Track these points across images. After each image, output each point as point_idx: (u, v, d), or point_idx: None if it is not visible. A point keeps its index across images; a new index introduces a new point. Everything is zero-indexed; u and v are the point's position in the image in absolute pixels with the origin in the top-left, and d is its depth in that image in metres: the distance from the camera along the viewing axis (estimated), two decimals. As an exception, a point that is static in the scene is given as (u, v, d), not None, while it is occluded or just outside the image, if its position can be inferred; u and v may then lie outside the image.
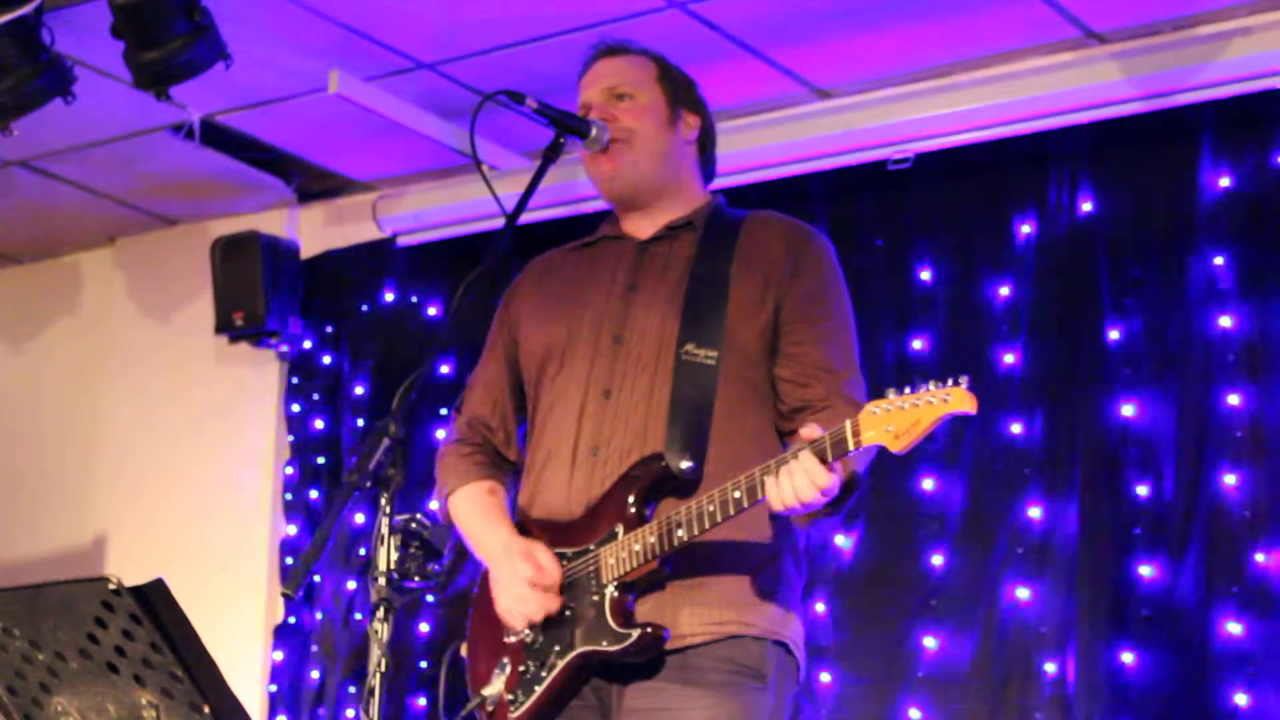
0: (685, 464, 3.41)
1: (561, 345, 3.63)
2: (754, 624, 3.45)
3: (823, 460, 3.17)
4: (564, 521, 3.51)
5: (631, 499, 3.41)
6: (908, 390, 3.11)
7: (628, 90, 3.72)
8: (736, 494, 3.27)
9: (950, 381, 3.09)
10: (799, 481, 3.17)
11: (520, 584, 3.46)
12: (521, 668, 3.48)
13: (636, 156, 3.67)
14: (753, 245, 3.63)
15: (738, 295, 3.56)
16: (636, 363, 3.54)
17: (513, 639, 3.51)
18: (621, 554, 3.39)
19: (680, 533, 3.32)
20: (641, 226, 3.73)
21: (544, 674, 3.44)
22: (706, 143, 3.82)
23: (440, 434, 6.15)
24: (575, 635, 3.42)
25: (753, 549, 3.48)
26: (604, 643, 3.38)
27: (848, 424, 3.15)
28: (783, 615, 3.50)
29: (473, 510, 3.68)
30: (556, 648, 3.44)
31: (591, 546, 3.44)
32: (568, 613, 3.45)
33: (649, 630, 3.36)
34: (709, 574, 3.44)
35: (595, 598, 3.41)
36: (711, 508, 3.29)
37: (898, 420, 3.10)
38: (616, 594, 3.39)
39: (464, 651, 3.67)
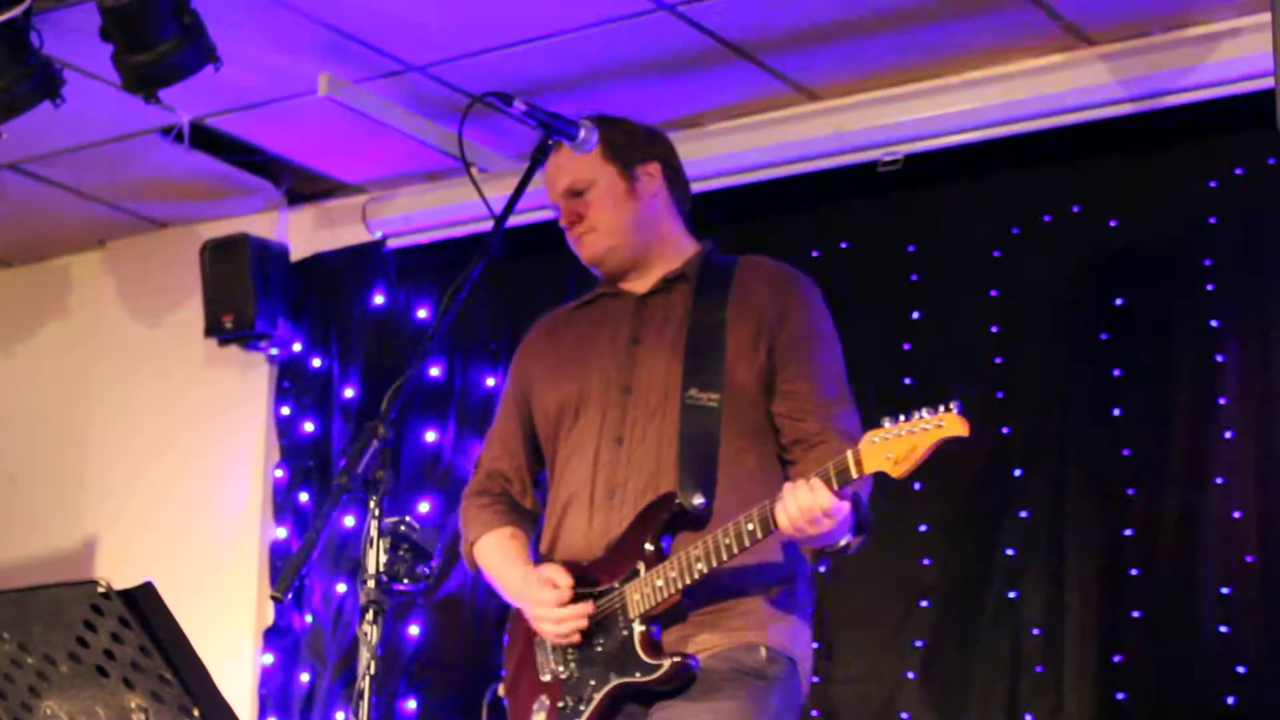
0: (697, 500, 3.61)
1: (575, 401, 3.82)
2: (763, 637, 3.64)
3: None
4: (587, 562, 3.69)
5: (649, 537, 3.61)
6: (902, 418, 3.33)
7: (582, 186, 3.88)
8: (750, 526, 3.47)
9: (942, 408, 3.30)
10: (802, 497, 3.37)
11: (549, 610, 3.66)
12: (560, 704, 3.66)
13: (611, 242, 3.86)
14: (744, 291, 3.82)
15: (734, 340, 3.75)
16: (645, 410, 3.74)
17: (549, 677, 3.70)
18: (645, 590, 3.58)
19: (700, 566, 3.52)
20: (637, 282, 3.91)
21: (583, 707, 3.63)
22: (672, 177, 3.96)
23: (430, 436, 6.18)
24: (609, 669, 3.61)
25: (767, 574, 3.67)
26: (637, 674, 3.58)
27: (849, 454, 3.37)
28: (792, 634, 3.70)
29: (495, 555, 3.89)
30: (593, 681, 3.63)
31: (616, 585, 3.63)
32: (599, 648, 3.64)
33: (677, 660, 3.56)
34: (726, 600, 3.64)
35: (624, 633, 3.60)
36: (728, 541, 3.49)
37: (896, 448, 3.32)
38: (644, 628, 3.60)
39: (502, 692, 3.85)
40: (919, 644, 5.21)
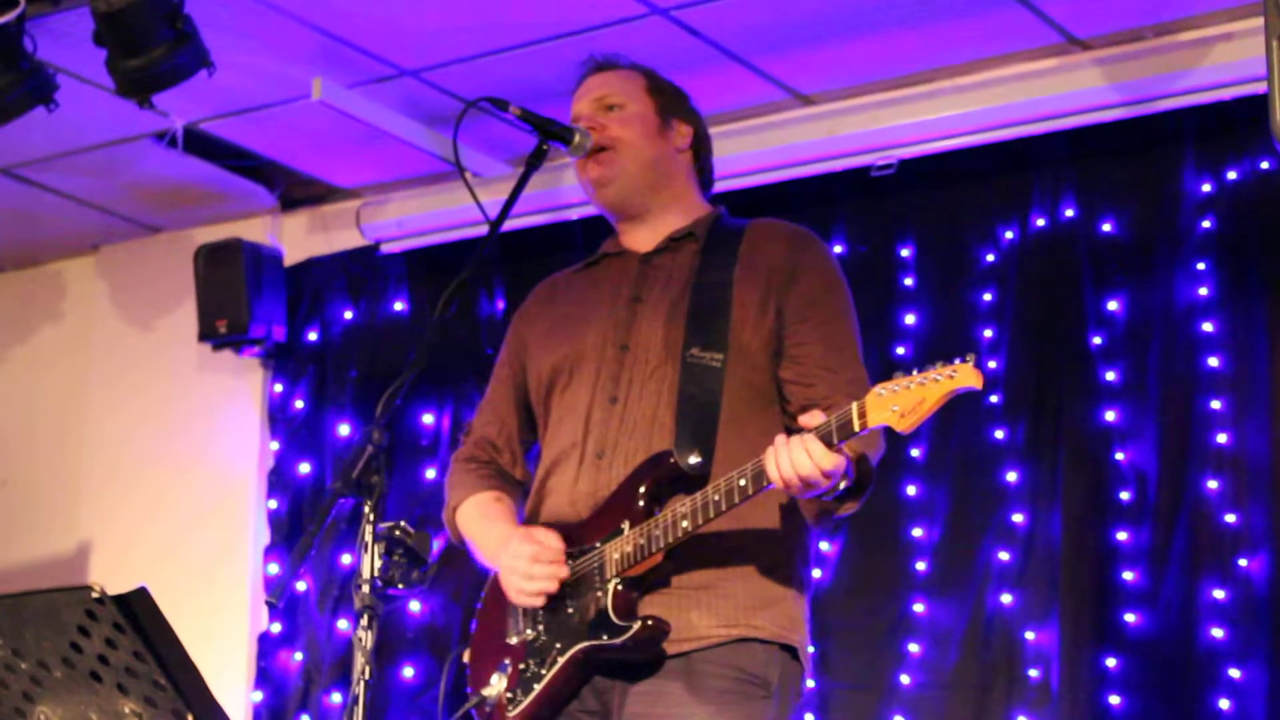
0: (693, 459, 3.43)
1: (569, 362, 3.66)
2: (762, 627, 3.46)
3: (829, 445, 3.18)
4: (570, 523, 3.52)
5: (640, 494, 3.43)
6: (914, 371, 3.13)
7: (617, 101, 3.75)
8: (742, 482, 3.28)
9: (957, 360, 3.10)
10: (796, 455, 3.18)
11: (524, 563, 3.47)
12: (522, 665, 3.49)
13: (625, 163, 3.69)
14: (754, 251, 3.66)
15: (741, 300, 3.58)
16: (643, 369, 3.57)
17: (515, 640, 3.53)
18: (626, 549, 3.40)
19: (685, 523, 3.33)
20: (642, 240, 3.75)
21: (544, 671, 3.45)
22: (701, 151, 3.84)
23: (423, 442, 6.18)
24: (577, 631, 3.43)
25: (764, 550, 3.49)
26: (604, 636, 3.39)
27: (853, 406, 3.16)
28: (791, 618, 3.51)
29: (475, 517, 3.72)
30: (558, 644, 3.45)
31: (597, 544, 3.45)
32: (570, 609, 3.46)
33: (649, 622, 3.37)
34: (719, 575, 3.46)
35: (599, 593, 3.42)
36: (717, 497, 3.30)
37: (903, 400, 3.11)
38: (620, 588, 3.40)
39: (466, 658, 3.68)
40: (913, 648, 5.21)
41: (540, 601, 3.48)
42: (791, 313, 3.58)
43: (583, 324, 3.68)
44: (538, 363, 3.74)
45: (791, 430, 3.39)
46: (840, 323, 3.62)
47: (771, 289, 3.59)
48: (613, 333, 3.63)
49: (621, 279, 3.71)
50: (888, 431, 3.19)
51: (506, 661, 3.52)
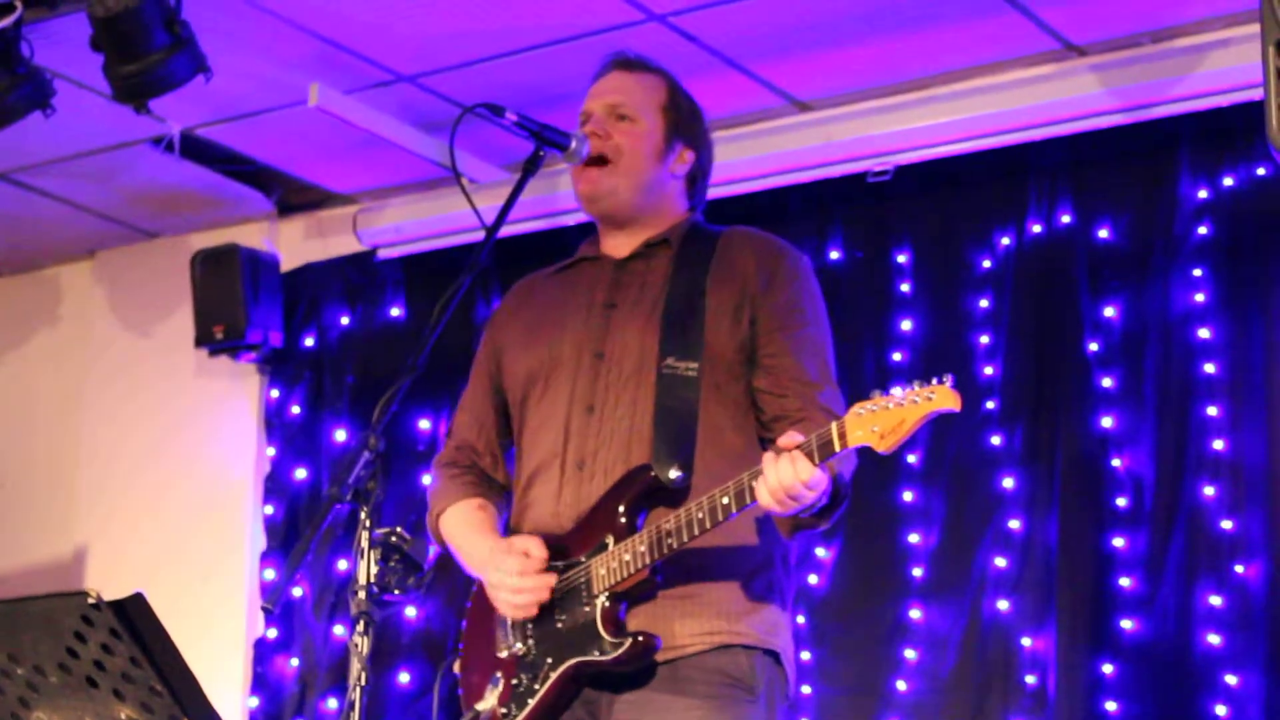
0: (674, 474, 3.45)
1: (544, 367, 3.67)
2: (745, 633, 3.48)
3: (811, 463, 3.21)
4: (554, 535, 3.53)
5: (621, 510, 3.45)
6: (893, 391, 3.15)
7: (629, 113, 3.74)
8: (725, 500, 3.31)
9: (935, 380, 3.13)
10: (783, 470, 3.19)
11: (512, 579, 3.49)
12: (514, 681, 3.51)
13: (617, 182, 3.70)
14: (728, 260, 3.67)
15: (714, 309, 3.60)
16: (619, 378, 3.58)
17: (505, 653, 3.55)
18: (612, 564, 3.42)
19: (670, 540, 3.36)
20: (619, 245, 3.76)
21: (537, 686, 3.48)
22: (698, 175, 3.84)
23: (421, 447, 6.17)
24: (568, 647, 3.45)
25: (743, 558, 3.52)
26: (595, 652, 3.42)
27: (834, 426, 3.19)
28: (773, 624, 3.53)
29: (460, 526, 3.72)
30: (549, 659, 3.47)
31: (582, 558, 3.47)
32: (560, 624, 3.48)
33: (640, 639, 3.40)
34: (700, 584, 3.48)
35: (587, 608, 3.44)
36: (700, 515, 3.33)
37: (883, 420, 3.14)
38: (608, 604, 3.43)
39: (457, 668, 3.69)
40: (909, 654, 5.21)
41: (533, 612, 3.50)
42: (765, 322, 3.59)
43: (557, 329, 3.69)
44: (513, 366, 3.75)
45: (766, 442, 3.44)
46: (813, 334, 3.63)
47: (745, 297, 3.61)
48: (588, 340, 3.64)
49: (596, 284, 3.72)
50: (868, 450, 3.20)
51: (498, 675, 3.54)
